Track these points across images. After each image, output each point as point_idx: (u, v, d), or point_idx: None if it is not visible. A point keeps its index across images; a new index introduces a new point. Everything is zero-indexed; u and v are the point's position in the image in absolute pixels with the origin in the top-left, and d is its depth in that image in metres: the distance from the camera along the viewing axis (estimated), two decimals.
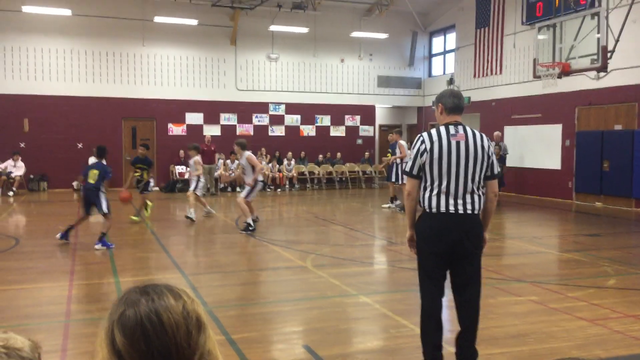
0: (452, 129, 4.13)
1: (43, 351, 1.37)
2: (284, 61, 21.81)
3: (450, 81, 21.51)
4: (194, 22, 19.53)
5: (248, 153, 11.05)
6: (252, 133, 21.47)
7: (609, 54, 11.95)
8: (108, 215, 9.45)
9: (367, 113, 23.24)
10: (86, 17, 19.00)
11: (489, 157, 4.15)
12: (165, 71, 20.35)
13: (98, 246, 9.21)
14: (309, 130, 22.40)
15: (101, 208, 9.36)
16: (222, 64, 21.01)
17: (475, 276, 4.21)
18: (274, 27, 20.63)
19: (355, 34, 21.83)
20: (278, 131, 21.96)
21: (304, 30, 20.90)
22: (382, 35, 21.87)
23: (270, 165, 20.39)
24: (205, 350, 1.13)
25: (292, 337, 5.30)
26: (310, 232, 11.73)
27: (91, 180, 9.42)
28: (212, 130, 20.61)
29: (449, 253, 4.12)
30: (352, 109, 22.83)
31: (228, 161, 19.72)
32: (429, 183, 4.12)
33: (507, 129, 18.92)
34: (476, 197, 4.11)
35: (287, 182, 20.63)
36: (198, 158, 12.71)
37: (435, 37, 23.68)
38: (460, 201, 4.07)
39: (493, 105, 19.71)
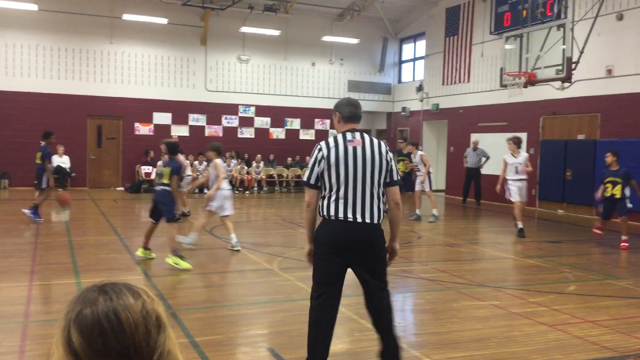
0: (349, 135, 4.13)
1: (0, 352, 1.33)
2: (254, 63, 21.74)
3: (420, 88, 21.78)
4: (163, 20, 19.33)
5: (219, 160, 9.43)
6: (221, 134, 21.34)
7: (573, 65, 12.22)
8: (45, 190, 11.78)
9: None
10: (53, 12, 18.63)
11: (387, 162, 4.11)
12: (133, 69, 20.07)
13: (27, 211, 11.60)
14: (278, 133, 22.37)
15: (41, 184, 11.79)
16: (192, 64, 20.84)
17: (380, 284, 4.14)
18: (245, 29, 20.55)
19: (327, 39, 21.91)
20: (247, 133, 21.87)
21: (275, 32, 20.87)
22: (353, 41, 21.98)
23: (238, 167, 20.27)
24: (164, 349, 1.11)
25: (257, 340, 5.27)
26: (278, 235, 11.69)
27: (38, 161, 11.84)
28: (180, 131, 20.37)
29: (346, 261, 4.07)
30: (323, 113, 22.87)
31: (196, 162, 19.46)
32: (327, 191, 4.08)
33: (474, 137, 19.20)
34: (375, 206, 4.05)
35: (256, 185, 20.54)
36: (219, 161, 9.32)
37: (405, 44, 23.92)
38: (359, 209, 4.01)
39: (461, 112, 19.98)
